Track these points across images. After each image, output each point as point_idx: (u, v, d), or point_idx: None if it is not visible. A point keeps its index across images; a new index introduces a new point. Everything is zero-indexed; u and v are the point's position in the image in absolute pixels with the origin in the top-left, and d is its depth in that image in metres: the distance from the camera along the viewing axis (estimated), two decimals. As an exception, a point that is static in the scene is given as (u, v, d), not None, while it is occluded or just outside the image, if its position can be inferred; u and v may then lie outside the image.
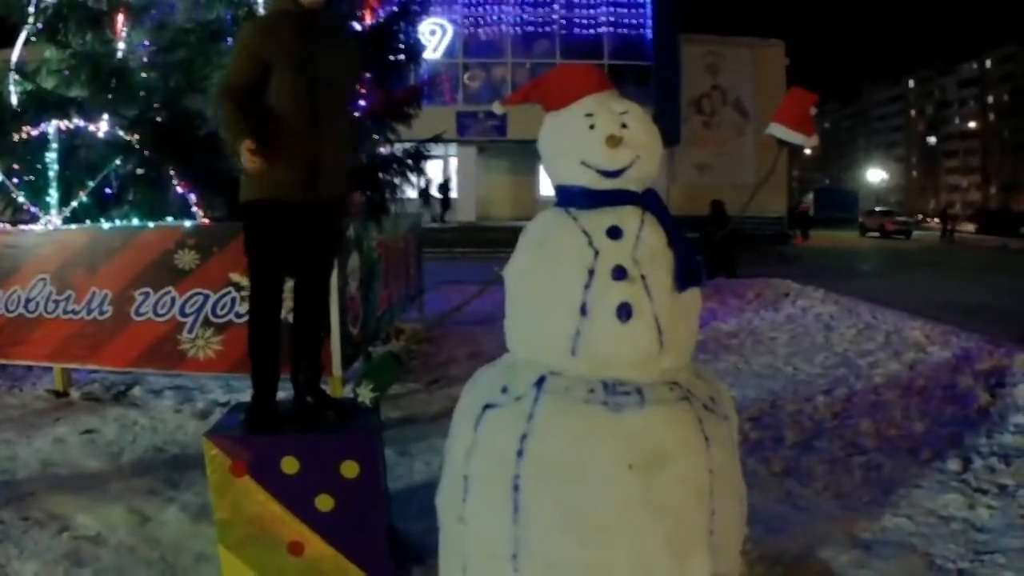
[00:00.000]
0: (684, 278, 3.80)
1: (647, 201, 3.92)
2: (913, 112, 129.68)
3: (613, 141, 3.80)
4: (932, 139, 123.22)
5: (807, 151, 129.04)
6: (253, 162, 4.81)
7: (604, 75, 4.17)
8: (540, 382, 3.75)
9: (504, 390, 3.84)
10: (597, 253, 3.71)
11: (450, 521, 3.98)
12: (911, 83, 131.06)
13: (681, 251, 3.82)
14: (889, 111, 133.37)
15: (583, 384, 3.67)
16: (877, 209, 75.57)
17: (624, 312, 3.64)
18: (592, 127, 3.85)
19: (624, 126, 3.86)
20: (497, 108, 4.50)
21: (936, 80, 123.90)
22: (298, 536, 4.66)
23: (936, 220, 75.39)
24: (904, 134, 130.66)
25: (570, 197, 3.95)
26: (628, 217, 3.82)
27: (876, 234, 64.61)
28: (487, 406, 3.85)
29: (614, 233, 3.76)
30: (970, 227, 71.77)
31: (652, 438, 3.56)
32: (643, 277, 3.70)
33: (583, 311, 3.67)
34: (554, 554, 3.55)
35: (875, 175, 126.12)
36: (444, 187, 45.77)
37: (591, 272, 3.69)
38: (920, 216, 79.39)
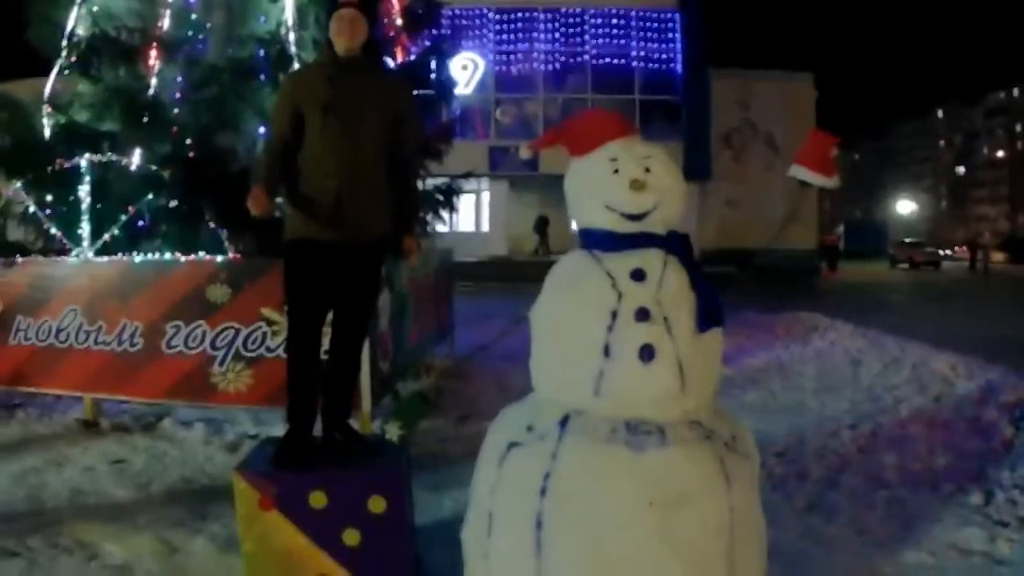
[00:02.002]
0: (706, 319, 3.84)
1: (670, 244, 3.98)
2: (942, 143, 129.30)
3: (637, 185, 3.87)
4: (961, 169, 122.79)
5: (839, 185, 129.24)
6: (253, 206, 5.20)
7: (627, 121, 4.24)
8: (564, 421, 3.80)
9: (529, 429, 3.91)
10: (621, 295, 3.77)
11: (475, 556, 4.04)
12: (939, 114, 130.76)
13: (703, 293, 3.87)
14: (918, 143, 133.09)
15: (606, 424, 3.72)
16: (906, 241, 75.38)
17: (647, 353, 3.69)
18: (616, 171, 3.93)
19: (647, 170, 3.93)
20: (523, 153, 4.61)
21: (964, 111, 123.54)
22: (324, 570, 4.73)
23: (964, 249, 74.93)
24: (932, 165, 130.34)
25: (595, 240, 4.02)
26: (651, 260, 3.87)
27: (905, 266, 64.53)
28: (512, 444, 3.91)
29: (637, 275, 3.81)
30: (1000, 256, 71.39)
31: (673, 477, 3.60)
32: (665, 319, 3.75)
33: (606, 352, 3.72)
34: (574, 591, 3.59)
35: (904, 206, 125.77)
36: (543, 223, 45.75)
37: (614, 314, 3.74)
38: (948, 251, 78.91)
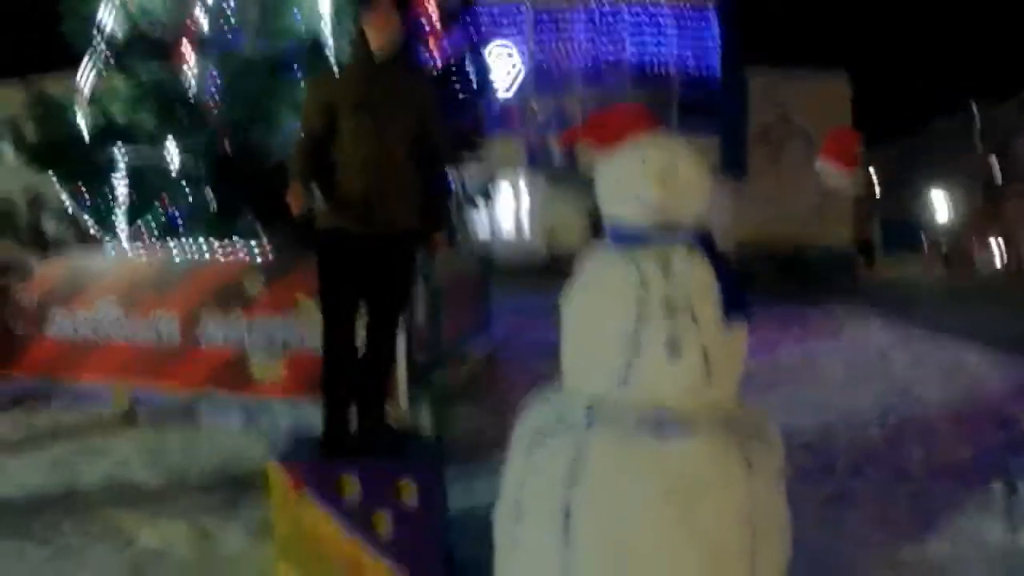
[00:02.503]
0: (731, 312, 3.90)
1: (696, 237, 4.04)
2: (978, 140, 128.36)
3: (663, 180, 3.94)
4: (996, 165, 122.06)
5: (873, 180, 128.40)
6: (292, 197, 5.35)
7: (653, 115, 4.30)
8: (591, 411, 3.87)
9: (557, 418, 3.98)
10: (647, 287, 3.83)
11: (505, 544, 4.12)
12: (975, 110, 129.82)
13: (728, 286, 3.92)
14: (953, 139, 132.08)
15: (631, 414, 3.79)
16: (941, 238, 75.05)
17: (672, 345, 3.75)
18: (644, 163, 3.98)
19: (674, 164, 3.98)
20: (556, 147, 4.70)
21: (999, 107, 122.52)
22: (355, 555, 4.81)
23: (999, 245, 74.37)
24: (968, 161, 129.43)
25: (622, 233, 4.08)
26: (678, 254, 3.93)
27: (941, 263, 64.27)
28: (540, 433, 3.99)
29: (664, 267, 3.87)
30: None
31: (695, 466, 3.67)
32: (691, 311, 3.81)
33: (633, 344, 3.78)
34: (600, 577, 3.67)
35: (940, 203, 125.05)
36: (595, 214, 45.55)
37: (641, 306, 3.81)
38: (981, 246, 78.32)
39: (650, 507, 3.63)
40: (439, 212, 6.41)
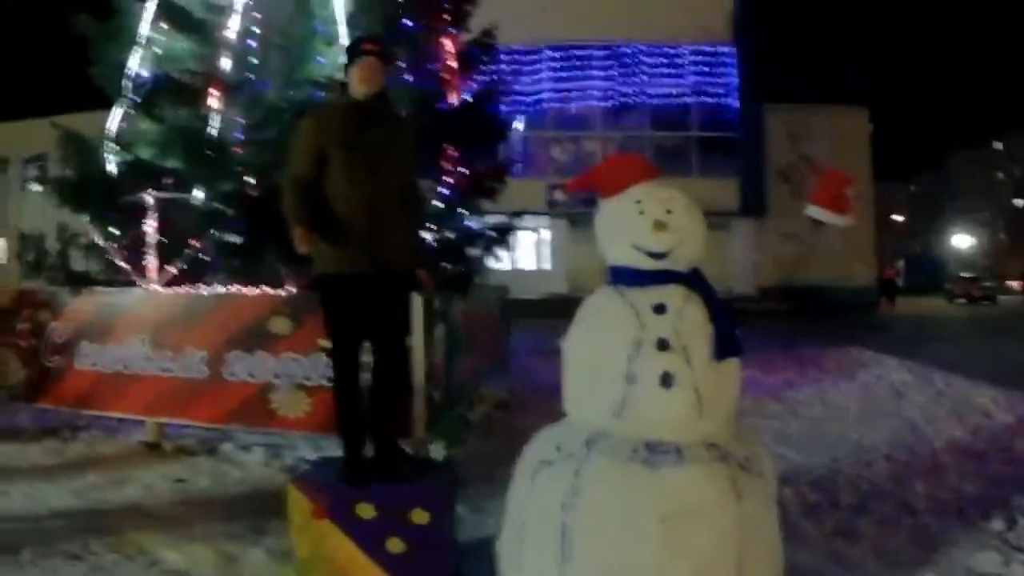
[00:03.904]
0: (722, 349, 4.14)
1: (691, 280, 4.28)
2: (1000, 175, 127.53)
3: (659, 226, 4.18)
4: (1019, 201, 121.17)
5: (898, 219, 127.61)
6: (302, 245, 5.56)
7: (652, 164, 4.55)
8: (590, 442, 4.12)
9: (558, 448, 4.23)
10: (644, 327, 4.08)
11: (509, 565, 4.38)
12: (997, 146, 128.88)
13: (721, 325, 4.17)
14: (975, 175, 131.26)
15: (627, 444, 4.03)
16: (964, 275, 74.67)
17: (666, 380, 4.00)
18: (641, 213, 4.23)
19: (669, 212, 4.24)
20: (560, 196, 4.98)
21: (1022, 141, 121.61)
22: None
23: (1021, 283, 73.97)
24: (991, 198, 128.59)
25: (621, 276, 4.34)
26: (672, 294, 4.18)
27: (963, 300, 63.93)
28: (543, 462, 4.24)
29: (659, 309, 4.13)
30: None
31: (686, 493, 3.89)
32: (685, 348, 4.05)
33: (629, 379, 4.04)
34: (595, 596, 3.88)
35: (962, 240, 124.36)
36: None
37: (638, 344, 4.05)
38: (1003, 282, 77.90)
39: (643, 531, 3.85)
40: (421, 249, 6.70)
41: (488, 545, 4.66)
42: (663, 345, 4.05)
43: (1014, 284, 77.69)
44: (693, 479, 3.95)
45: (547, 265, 48.73)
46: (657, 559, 3.84)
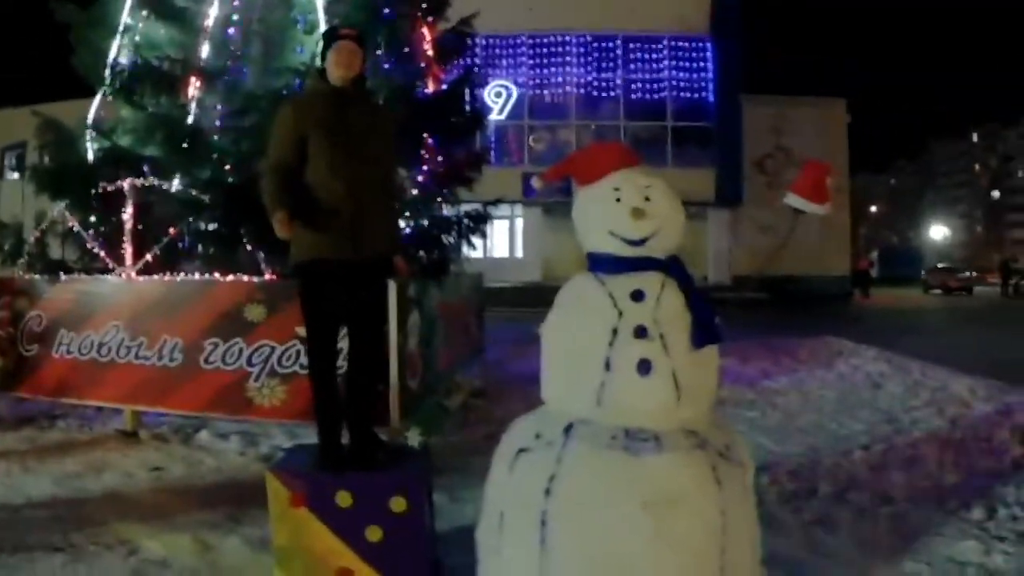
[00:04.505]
0: (700, 337, 4.13)
1: (669, 267, 4.26)
2: (977, 166, 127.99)
3: (638, 213, 4.16)
4: (996, 193, 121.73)
5: (875, 210, 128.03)
6: (283, 231, 5.49)
7: (630, 151, 4.53)
8: (569, 429, 4.10)
9: (537, 436, 4.20)
10: (621, 314, 4.06)
11: (487, 553, 4.36)
12: (975, 137, 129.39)
13: (699, 313, 4.16)
14: (953, 166, 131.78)
15: (607, 431, 4.01)
16: (939, 266, 75.00)
17: (644, 367, 3.98)
18: (619, 200, 4.21)
19: (647, 199, 4.22)
20: (536, 184, 4.98)
21: (1000, 133, 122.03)
22: (349, 564, 5.03)
23: (997, 274, 74.24)
24: (968, 189, 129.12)
25: (599, 263, 4.32)
26: (650, 282, 4.16)
27: (939, 291, 64.19)
28: (521, 450, 4.22)
29: (637, 296, 4.11)
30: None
31: (667, 480, 3.88)
32: (662, 336, 4.03)
33: (607, 366, 4.02)
34: (574, 583, 3.89)
35: (939, 232, 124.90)
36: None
37: (615, 331, 4.04)
38: (975, 274, 78.07)
39: (625, 517, 3.83)
40: (399, 237, 6.72)
41: (467, 534, 4.66)
42: (641, 332, 4.04)
43: (990, 277, 77.80)
44: (673, 466, 3.94)
45: (520, 253, 48.74)
46: (637, 547, 3.82)
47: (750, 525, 4.27)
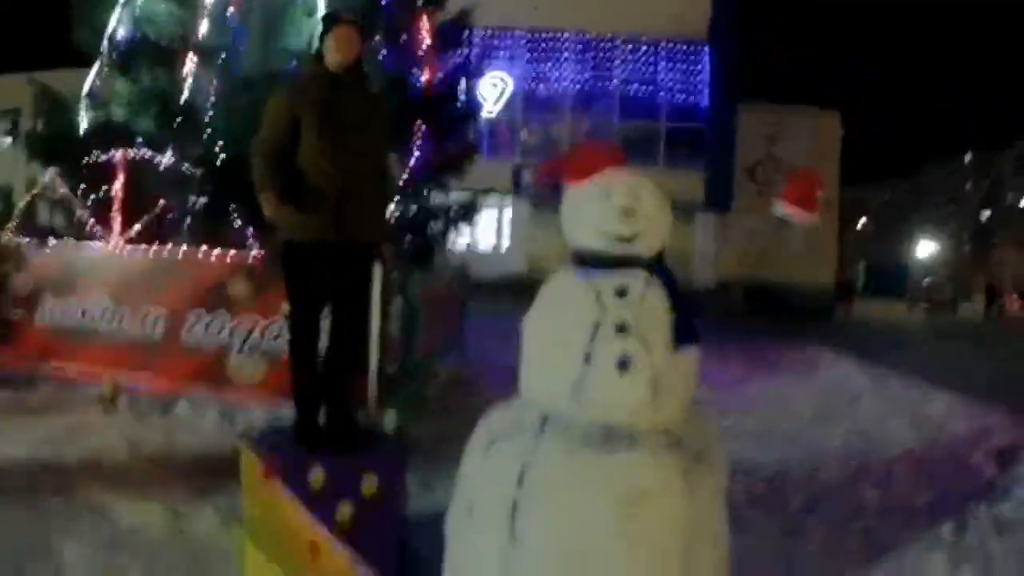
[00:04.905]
0: (680, 337, 4.14)
1: (654, 267, 4.29)
2: (969, 187, 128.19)
3: (626, 211, 4.20)
4: (986, 214, 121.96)
5: (862, 220, 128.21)
6: (269, 206, 5.58)
7: (620, 153, 4.58)
8: (544, 422, 4.12)
9: (512, 426, 4.23)
10: (604, 309, 4.07)
11: (456, 540, 4.38)
12: (967, 159, 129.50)
13: (681, 313, 4.18)
14: (946, 185, 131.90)
15: (581, 426, 4.02)
16: (925, 282, 75.19)
17: (623, 364, 3.98)
18: (608, 198, 4.23)
19: (636, 199, 4.24)
20: (529, 183, 5.02)
21: (993, 156, 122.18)
22: (318, 539, 5.05)
23: (982, 295, 74.48)
24: (958, 209, 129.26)
25: (585, 260, 4.33)
26: (635, 279, 4.17)
27: (924, 306, 64.39)
28: (495, 440, 4.25)
29: (621, 293, 4.12)
30: (1018, 303, 71.16)
31: (636, 478, 3.89)
32: (644, 333, 4.05)
33: (587, 360, 4.03)
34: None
35: (926, 248, 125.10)
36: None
37: (596, 326, 4.05)
38: (965, 292, 78.32)
39: (591, 513, 3.86)
40: (387, 223, 6.76)
41: (437, 520, 4.69)
42: (622, 328, 4.05)
43: (974, 296, 78.06)
44: (645, 466, 3.95)
45: (507, 246, 48.69)
46: (605, 542, 3.84)
47: (719, 531, 4.28)
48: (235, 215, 9.43)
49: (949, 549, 6.76)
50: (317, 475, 5.12)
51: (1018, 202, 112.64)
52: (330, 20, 6.16)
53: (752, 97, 50.08)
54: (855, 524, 7.42)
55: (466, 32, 13.44)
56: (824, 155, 49.85)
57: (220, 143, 10.42)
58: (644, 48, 48.13)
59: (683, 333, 4.18)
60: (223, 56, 10.70)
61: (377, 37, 10.88)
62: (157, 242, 9.78)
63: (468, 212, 12.45)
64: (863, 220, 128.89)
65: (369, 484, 5.12)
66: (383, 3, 11.14)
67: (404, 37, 11.74)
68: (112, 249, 9.75)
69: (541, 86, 48.55)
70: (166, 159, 10.14)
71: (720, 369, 16.09)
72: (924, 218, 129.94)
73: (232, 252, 9.07)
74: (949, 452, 10.33)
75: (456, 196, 12.60)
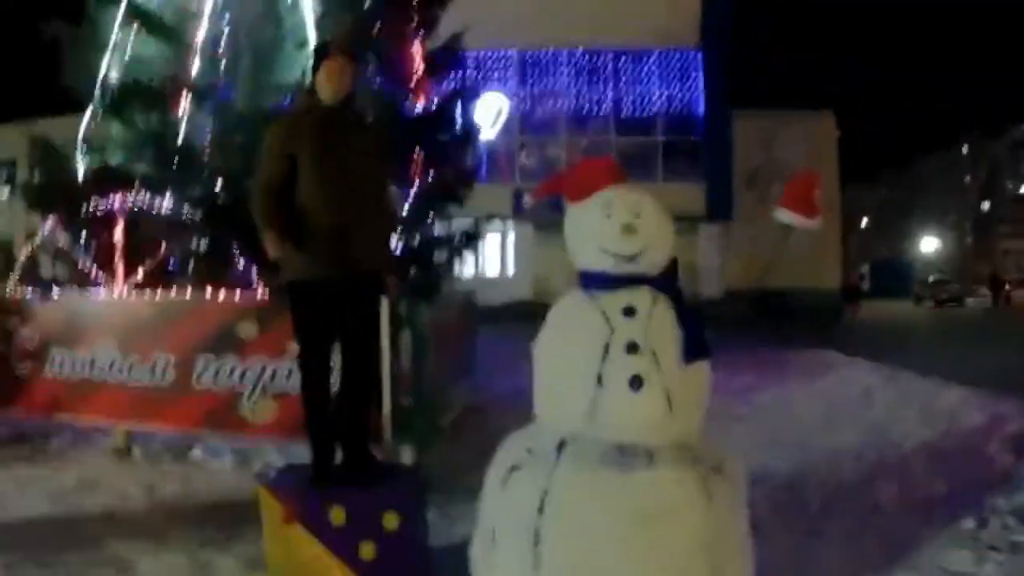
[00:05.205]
0: (691, 352, 4.14)
1: (660, 283, 4.29)
2: (967, 178, 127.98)
3: (628, 229, 4.19)
4: (986, 204, 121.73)
5: (864, 220, 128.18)
6: (273, 247, 5.52)
7: (620, 169, 4.56)
8: (561, 445, 4.11)
9: (529, 452, 4.22)
10: (613, 330, 4.08)
11: (481, 570, 4.38)
12: (964, 149, 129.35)
13: (689, 328, 4.17)
14: (942, 177, 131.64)
15: (598, 447, 4.03)
16: (930, 279, 75.00)
17: (636, 383, 3.99)
18: (609, 216, 4.23)
19: (638, 215, 4.24)
20: (528, 202, 5.01)
21: (988, 144, 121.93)
22: (342, 580, 5.07)
23: (986, 287, 74.33)
24: (958, 200, 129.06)
25: (590, 280, 4.34)
26: (641, 298, 4.18)
27: (930, 303, 64.28)
28: (514, 467, 4.23)
29: (628, 312, 4.12)
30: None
31: (658, 496, 3.90)
32: (653, 352, 4.05)
33: (599, 382, 4.03)
34: (568, 601, 3.89)
35: (929, 244, 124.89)
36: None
37: (607, 347, 4.05)
38: (971, 286, 78.27)
39: (614, 534, 3.85)
40: (390, 254, 6.74)
41: (460, 551, 4.67)
42: (632, 348, 4.05)
43: (982, 288, 77.85)
44: (664, 482, 3.95)
45: (512, 270, 48.67)
46: (629, 563, 3.84)
47: (742, 539, 4.28)
48: (238, 255, 9.43)
49: (972, 542, 6.74)
50: (337, 515, 5.10)
51: (1017, 189, 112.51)
52: (322, 52, 6.12)
53: (746, 103, 50.11)
54: (876, 521, 7.35)
55: (458, 56, 13.42)
56: (821, 157, 49.98)
57: (219, 182, 10.35)
58: (637, 62, 48.18)
59: (693, 348, 4.18)
60: (216, 95, 10.70)
61: (370, 65, 10.88)
62: (161, 287, 9.78)
63: (471, 239, 12.43)
64: (864, 220, 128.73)
65: (390, 520, 5.09)
66: (374, 31, 11.15)
67: (397, 64, 11.74)
68: (117, 297, 9.74)
69: (537, 107, 48.59)
70: (166, 202, 10.13)
71: (731, 377, 16.06)
72: (925, 213, 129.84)
73: (238, 293, 9.06)
74: (965, 444, 10.24)
75: (458, 224, 12.58)
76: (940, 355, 22.34)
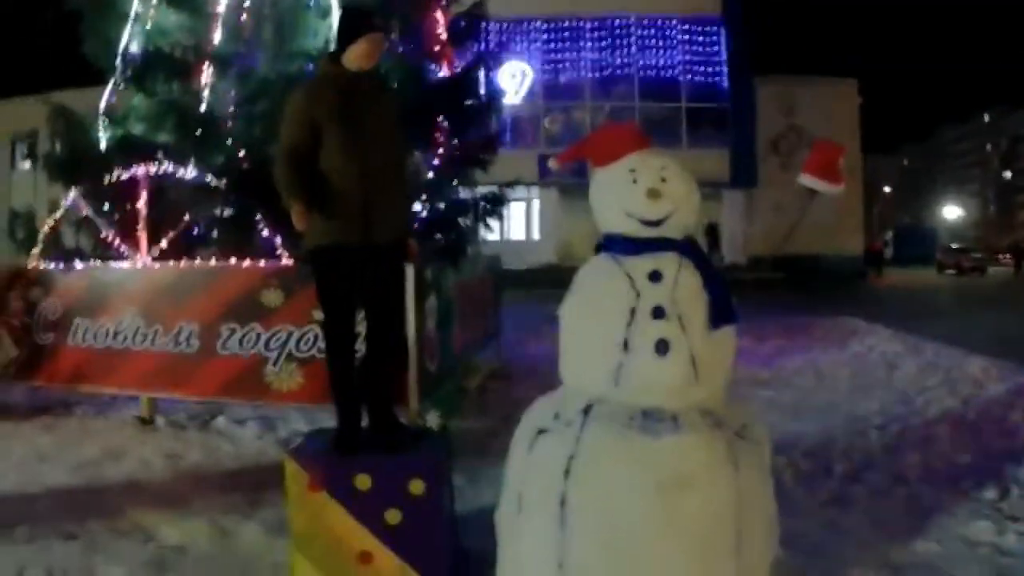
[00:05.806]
0: (717, 317, 4.13)
1: (685, 248, 4.26)
2: (989, 147, 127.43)
3: (653, 194, 4.17)
4: (1008, 174, 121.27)
5: (886, 189, 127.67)
6: (299, 219, 5.53)
7: (644, 133, 4.54)
8: (587, 410, 4.12)
9: (556, 416, 4.23)
10: (639, 294, 4.07)
11: (507, 534, 4.38)
12: (986, 118, 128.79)
13: (715, 293, 4.16)
14: (965, 147, 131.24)
15: (624, 412, 4.03)
16: (953, 246, 74.72)
17: (662, 347, 3.99)
18: (635, 181, 4.22)
19: (663, 180, 4.23)
20: (553, 165, 4.99)
21: (1010, 114, 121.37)
22: (368, 547, 5.03)
23: (1007, 256, 74.05)
24: (980, 169, 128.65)
25: (616, 244, 4.33)
26: (667, 262, 4.16)
27: (952, 271, 64.05)
28: (540, 431, 4.24)
29: (654, 277, 4.11)
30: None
31: (682, 461, 3.89)
32: (679, 316, 4.04)
33: (625, 346, 4.03)
34: (591, 565, 3.91)
35: (952, 212, 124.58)
36: (712, 229, 45.82)
37: (633, 311, 4.05)
38: (993, 254, 78.01)
39: (640, 499, 3.85)
40: (411, 220, 6.73)
41: (486, 516, 4.67)
42: (659, 313, 4.04)
43: (1003, 256, 77.56)
44: (690, 447, 3.94)
45: (537, 236, 48.70)
46: (655, 527, 3.84)
47: (766, 504, 4.28)
48: (262, 223, 9.42)
49: (992, 513, 6.76)
50: (363, 482, 5.07)
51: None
52: (362, 23, 6.09)
53: (768, 70, 49.99)
54: (899, 490, 7.34)
55: (482, 23, 13.35)
56: (843, 124, 49.79)
57: (242, 151, 10.32)
58: (660, 29, 48.07)
59: (720, 313, 4.17)
60: (238, 63, 10.64)
61: (393, 32, 10.81)
62: (185, 256, 9.78)
63: (496, 205, 12.38)
64: (887, 187, 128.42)
65: (415, 485, 5.07)
66: (397, -2, 11.07)
67: (420, 30, 11.68)
68: (140, 267, 9.74)
69: (561, 74, 48.55)
70: (189, 171, 10.10)
71: (756, 343, 16.08)
72: (947, 181, 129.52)
73: (262, 261, 9.04)
74: (987, 414, 10.28)
75: (483, 189, 12.53)
76: (962, 323, 22.31)
